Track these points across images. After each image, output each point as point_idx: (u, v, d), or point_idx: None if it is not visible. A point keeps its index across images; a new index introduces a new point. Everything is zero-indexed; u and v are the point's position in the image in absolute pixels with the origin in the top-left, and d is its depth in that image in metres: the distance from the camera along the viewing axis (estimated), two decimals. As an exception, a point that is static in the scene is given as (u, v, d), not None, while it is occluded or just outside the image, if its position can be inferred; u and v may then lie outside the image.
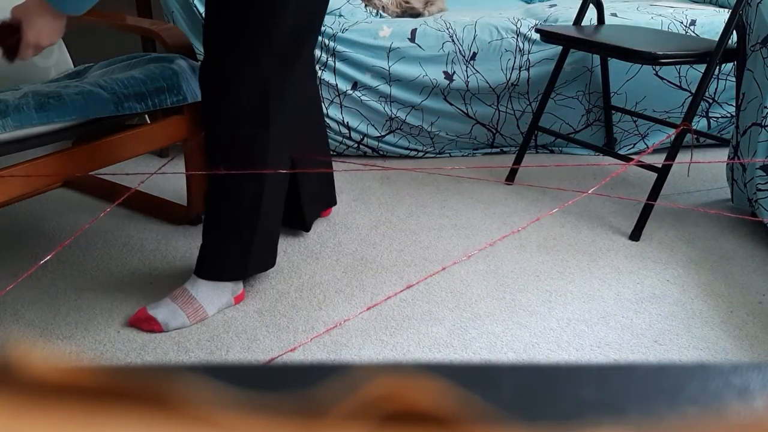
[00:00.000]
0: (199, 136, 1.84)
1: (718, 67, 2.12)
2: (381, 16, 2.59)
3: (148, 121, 1.75)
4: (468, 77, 2.38)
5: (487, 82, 2.39)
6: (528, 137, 2.28)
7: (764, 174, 1.80)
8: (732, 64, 2.18)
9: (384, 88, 2.36)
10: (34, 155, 1.54)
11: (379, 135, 2.43)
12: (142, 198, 2.03)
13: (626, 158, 1.98)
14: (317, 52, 2.35)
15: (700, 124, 2.47)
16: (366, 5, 2.58)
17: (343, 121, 2.39)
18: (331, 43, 2.33)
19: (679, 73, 2.40)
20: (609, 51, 1.99)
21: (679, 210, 2.03)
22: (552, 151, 2.54)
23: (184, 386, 0.17)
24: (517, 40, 2.37)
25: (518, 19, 2.40)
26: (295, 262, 1.75)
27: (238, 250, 1.53)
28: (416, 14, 2.62)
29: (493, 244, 1.82)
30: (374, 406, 0.17)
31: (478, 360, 1.39)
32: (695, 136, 2.19)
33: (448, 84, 2.38)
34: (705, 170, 2.35)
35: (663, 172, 1.89)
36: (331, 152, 2.44)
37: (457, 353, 1.42)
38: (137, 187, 1.82)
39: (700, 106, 2.09)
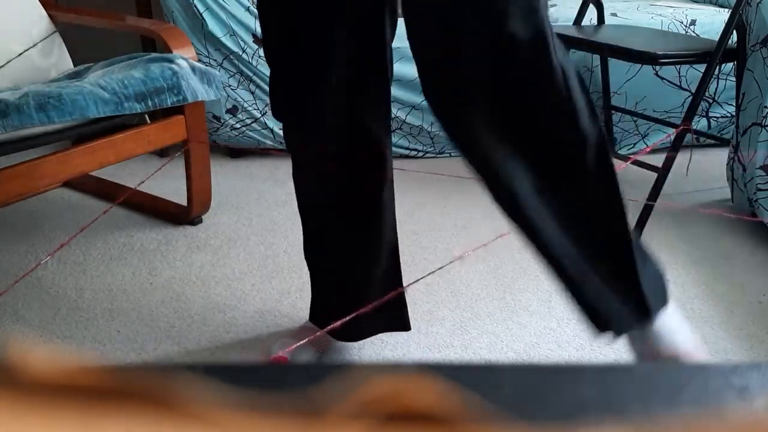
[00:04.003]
0: (198, 136, 1.84)
1: (718, 67, 2.12)
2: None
3: (148, 121, 1.75)
4: (468, 77, 2.38)
5: (487, 82, 2.39)
6: (528, 137, 2.28)
7: (764, 174, 1.80)
8: (732, 64, 2.18)
9: (384, 88, 2.36)
10: (34, 155, 1.54)
11: (379, 135, 2.43)
12: (142, 198, 2.03)
13: (626, 158, 1.98)
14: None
15: (700, 124, 2.47)
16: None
17: (343, 121, 2.39)
18: (331, 43, 2.33)
19: (679, 73, 2.40)
20: (609, 51, 1.99)
21: (679, 210, 2.03)
22: (552, 151, 2.53)
23: (184, 386, 0.17)
24: (517, 40, 2.37)
25: (518, 19, 2.40)
26: (296, 262, 1.75)
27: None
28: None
29: (493, 243, 1.82)
30: (374, 406, 0.17)
31: (478, 360, 1.39)
32: (695, 136, 2.19)
33: (448, 84, 2.37)
34: (705, 170, 2.35)
35: (663, 172, 1.89)
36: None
37: (457, 353, 1.42)
38: (137, 187, 1.82)
39: (700, 106, 2.09)
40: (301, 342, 1.29)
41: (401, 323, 1.38)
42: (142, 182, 1.76)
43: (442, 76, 0.99)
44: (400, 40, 2.46)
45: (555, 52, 0.93)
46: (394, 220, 1.33)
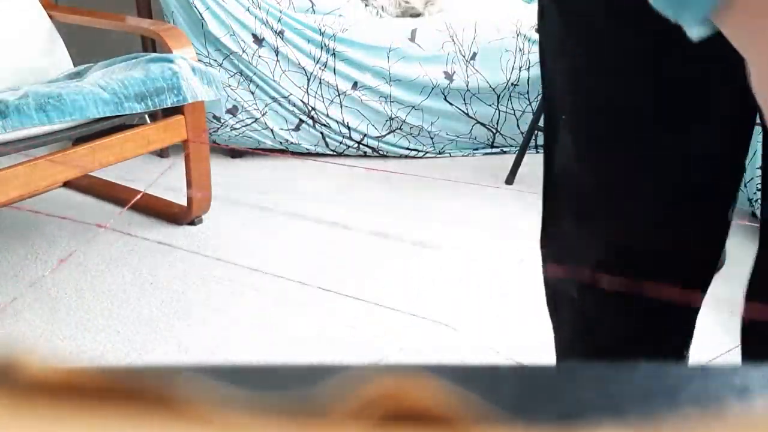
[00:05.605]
0: (198, 136, 1.84)
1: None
2: (381, 16, 2.59)
3: (148, 121, 1.75)
4: (468, 77, 2.38)
5: (487, 82, 2.39)
6: (528, 137, 2.28)
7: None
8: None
9: (384, 88, 2.36)
10: (34, 155, 1.54)
11: (379, 135, 2.43)
12: (142, 198, 2.03)
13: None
14: (317, 52, 2.35)
15: (700, 124, 2.47)
16: (366, 5, 2.58)
17: (343, 121, 2.39)
18: (331, 43, 2.33)
19: (679, 73, 2.40)
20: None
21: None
22: (552, 151, 2.53)
23: (184, 386, 0.17)
24: (517, 39, 2.37)
25: (518, 19, 2.40)
26: (295, 262, 1.75)
27: None
28: (416, 14, 2.62)
29: (493, 243, 1.82)
30: (374, 406, 0.17)
31: (478, 360, 1.39)
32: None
33: (448, 84, 2.38)
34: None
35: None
36: (332, 152, 2.44)
37: (461, 354, 1.42)
38: (145, 191, 1.82)
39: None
40: None
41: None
42: (149, 186, 1.76)
43: None
44: (400, 39, 2.45)
45: None
46: None
